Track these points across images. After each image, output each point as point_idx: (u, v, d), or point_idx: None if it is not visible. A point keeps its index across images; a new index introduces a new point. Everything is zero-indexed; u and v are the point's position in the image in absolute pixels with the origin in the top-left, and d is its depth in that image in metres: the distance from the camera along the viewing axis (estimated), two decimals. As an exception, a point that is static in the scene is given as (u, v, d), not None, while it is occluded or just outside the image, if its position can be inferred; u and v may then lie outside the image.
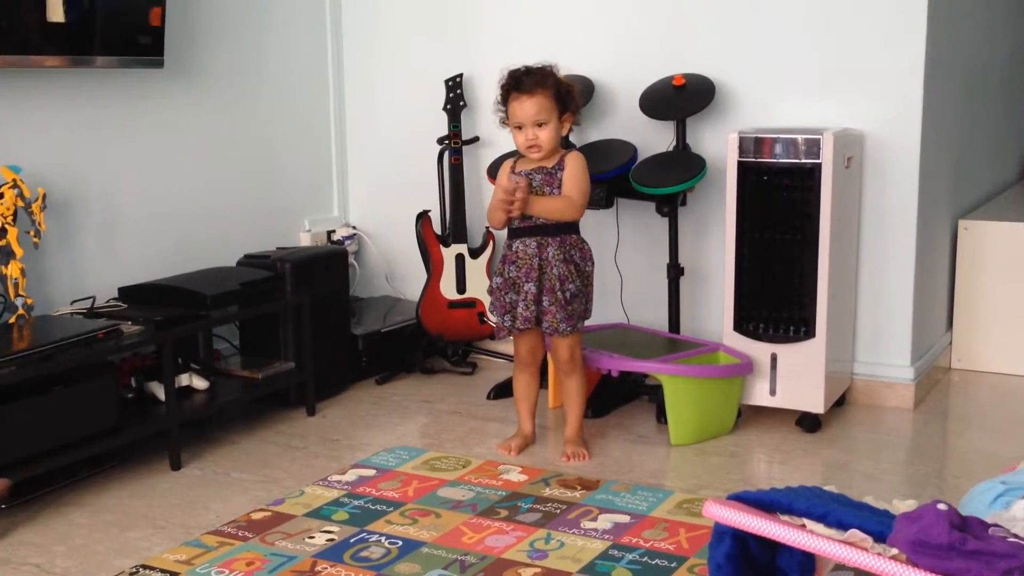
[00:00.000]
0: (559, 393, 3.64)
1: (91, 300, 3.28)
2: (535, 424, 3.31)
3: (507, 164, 3.20)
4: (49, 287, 3.29)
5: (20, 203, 3.05)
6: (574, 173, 3.09)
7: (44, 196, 3.12)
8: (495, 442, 3.29)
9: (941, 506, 1.50)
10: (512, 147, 3.77)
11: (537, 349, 3.22)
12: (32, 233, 3.09)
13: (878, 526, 1.60)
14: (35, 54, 3.13)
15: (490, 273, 3.93)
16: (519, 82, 3.05)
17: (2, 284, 3.05)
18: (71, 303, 3.29)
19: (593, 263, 3.19)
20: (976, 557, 1.46)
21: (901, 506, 1.76)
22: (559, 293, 3.08)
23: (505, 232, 3.19)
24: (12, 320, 3.05)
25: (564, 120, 3.10)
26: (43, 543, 2.66)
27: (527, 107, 3.04)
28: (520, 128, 3.07)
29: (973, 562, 1.45)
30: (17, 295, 3.07)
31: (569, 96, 3.10)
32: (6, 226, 3.02)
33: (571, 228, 3.13)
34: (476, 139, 4.14)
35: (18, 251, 3.05)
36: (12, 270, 3.05)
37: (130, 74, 3.51)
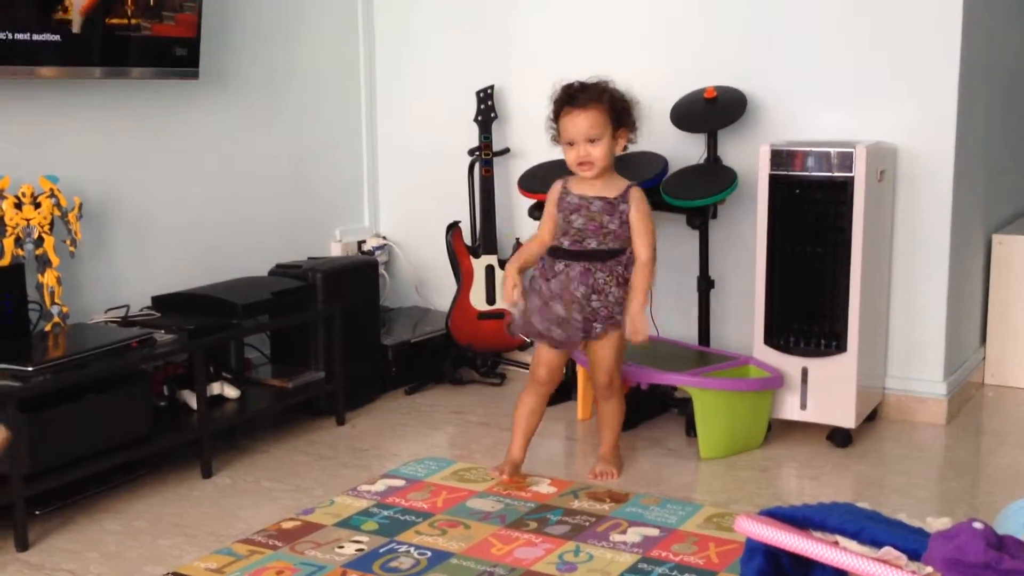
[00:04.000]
0: (589, 404, 3.64)
1: (125, 309, 3.31)
2: (525, 452, 3.13)
3: (556, 188, 3.01)
4: (84, 296, 3.33)
5: (57, 212, 3.09)
6: (644, 216, 2.94)
7: (80, 205, 3.15)
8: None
9: (977, 524, 1.48)
10: (542, 157, 3.80)
11: (556, 371, 3.10)
12: (68, 242, 3.13)
13: (912, 544, 1.59)
14: (72, 65, 3.17)
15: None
16: (573, 97, 2.91)
17: (38, 292, 3.09)
18: (105, 311, 3.32)
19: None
20: (1012, 576, 1.44)
21: (935, 524, 1.75)
22: (618, 317, 2.97)
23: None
24: (48, 328, 3.09)
25: (619, 136, 2.94)
26: (76, 549, 2.68)
27: (579, 122, 2.89)
28: (572, 145, 2.91)
29: (1009, 581, 1.44)
30: (53, 303, 3.10)
31: (625, 112, 2.95)
32: (43, 235, 3.06)
33: (622, 248, 2.98)
34: (507, 150, 4.15)
35: (54, 260, 3.09)
36: (48, 278, 3.09)
37: (166, 85, 3.54)
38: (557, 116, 2.95)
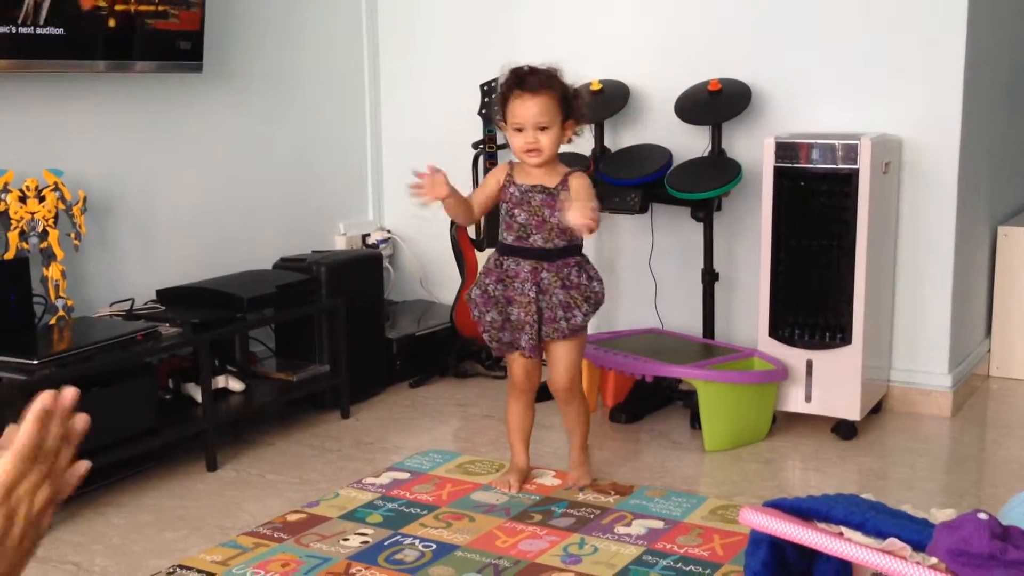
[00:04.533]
0: (593, 397, 3.63)
1: (130, 302, 3.32)
2: (529, 455, 3.05)
3: (501, 168, 2.92)
4: (89, 289, 3.33)
5: (61, 206, 3.09)
6: (587, 189, 2.82)
7: (84, 199, 3.16)
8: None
9: (982, 515, 1.48)
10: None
11: (533, 373, 2.97)
12: (73, 236, 3.13)
13: (917, 535, 1.59)
14: (76, 59, 3.17)
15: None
16: (522, 80, 2.78)
17: (43, 286, 3.09)
18: (110, 305, 3.33)
19: (601, 281, 2.91)
20: (1016, 567, 1.44)
21: (940, 515, 1.74)
22: (562, 323, 2.83)
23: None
24: (52, 321, 3.09)
25: (567, 127, 2.81)
26: (82, 542, 2.69)
27: (529, 107, 2.75)
28: (520, 130, 2.78)
29: (1014, 572, 1.43)
30: (58, 297, 3.11)
31: (575, 102, 2.83)
32: (47, 228, 3.06)
33: (573, 249, 2.87)
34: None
35: (59, 253, 3.09)
36: (53, 272, 3.09)
37: (170, 79, 3.54)
38: (505, 99, 2.81)
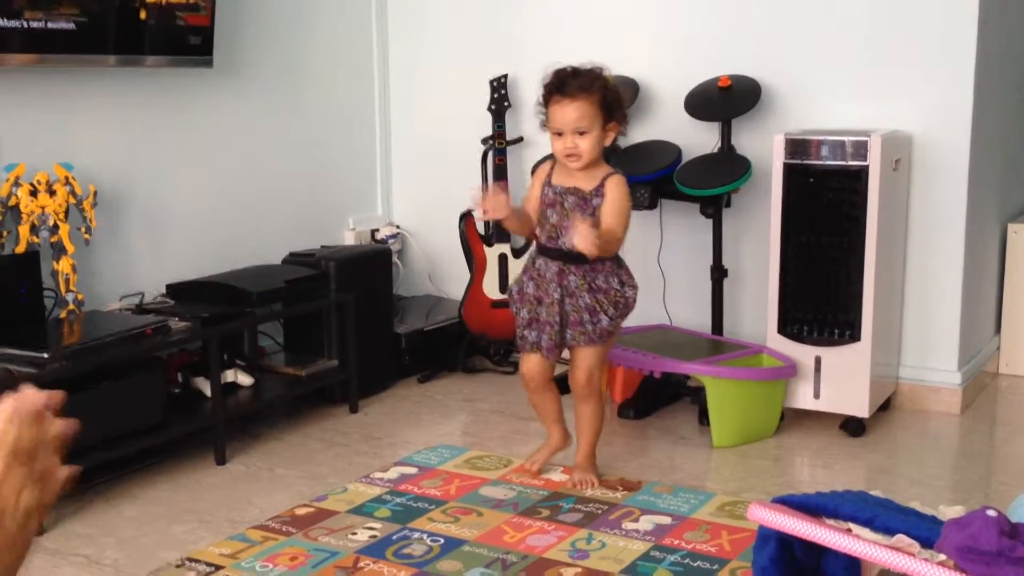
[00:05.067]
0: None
1: (140, 296, 3.33)
2: (565, 428, 3.05)
3: (544, 169, 2.93)
4: (99, 283, 3.34)
5: (72, 200, 3.10)
6: (618, 203, 2.80)
7: (95, 193, 3.17)
8: (538, 442, 3.24)
9: (990, 512, 1.48)
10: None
11: (542, 372, 2.94)
12: (83, 230, 3.14)
13: (925, 531, 1.59)
14: (87, 53, 3.18)
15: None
16: (563, 84, 2.76)
17: (53, 280, 3.11)
18: (120, 299, 3.34)
19: (635, 287, 2.90)
20: (1025, 564, 1.44)
21: (948, 512, 1.74)
22: (588, 327, 2.83)
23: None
24: (63, 315, 3.10)
25: (609, 129, 2.81)
26: (92, 535, 2.70)
27: (568, 112, 2.75)
28: (560, 135, 2.79)
29: (1022, 569, 1.43)
30: (68, 291, 3.12)
31: (616, 104, 2.81)
32: (58, 223, 3.07)
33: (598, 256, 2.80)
34: (520, 139, 4.14)
35: (69, 247, 3.10)
36: (63, 266, 3.10)
37: (180, 73, 3.55)
38: (547, 102, 2.81)
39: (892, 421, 3.52)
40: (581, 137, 2.77)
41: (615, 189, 2.81)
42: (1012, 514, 1.84)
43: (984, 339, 3.94)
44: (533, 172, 3.80)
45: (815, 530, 1.63)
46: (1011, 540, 1.45)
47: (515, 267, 4.04)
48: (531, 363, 2.94)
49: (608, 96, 2.80)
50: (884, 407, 3.56)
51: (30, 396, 0.99)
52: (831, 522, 1.70)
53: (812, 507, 1.74)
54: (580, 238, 2.66)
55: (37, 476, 0.98)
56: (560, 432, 3.06)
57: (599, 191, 2.81)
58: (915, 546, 1.57)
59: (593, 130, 2.77)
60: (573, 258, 2.81)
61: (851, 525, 1.68)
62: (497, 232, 4.06)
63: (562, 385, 3.09)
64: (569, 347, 2.92)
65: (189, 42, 3.45)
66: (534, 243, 2.97)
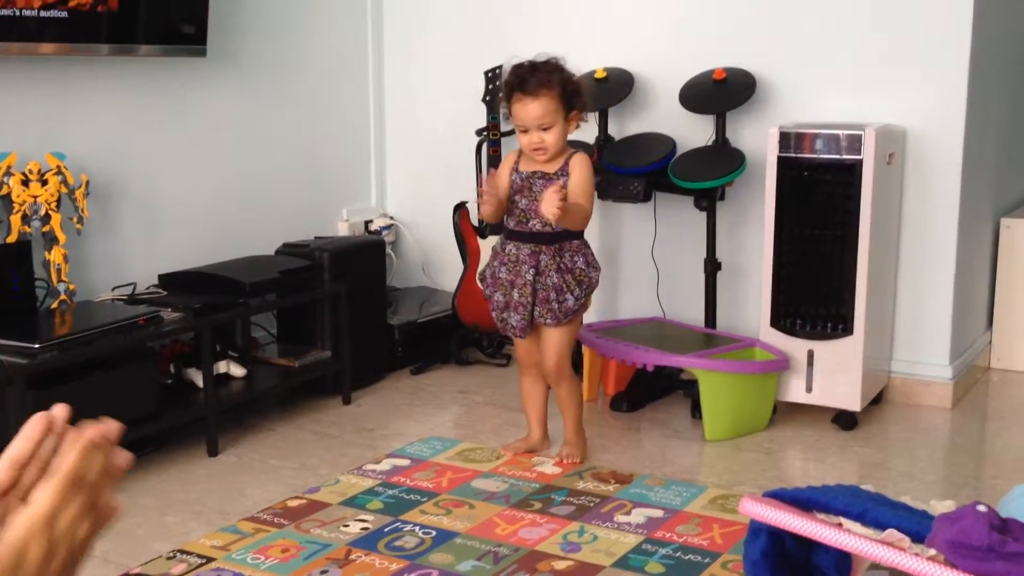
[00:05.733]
0: (595, 385, 3.64)
1: (132, 287, 3.32)
2: (546, 429, 3.16)
3: (510, 157, 2.99)
4: (91, 273, 3.34)
5: (64, 189, 3.09)
6: (584, 180, 2.88)
7: (87, 183, 3.16)
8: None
9: (981, 507, 1.49)
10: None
11: (534, 351, 3.04)
12: (75, 219, 3.13)
13: (916, 526, 1.59)
14: (80, 42, 3.17)
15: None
16: (523, 81, 2.81)
17: (45, 269, 3.10)
18: (112, 289, 3.33)
19: (599, 269, 3.01)
20: (1015, 559, 1.44)
21: (939, 507, 1.75)
22: (554, 304, 2.90)
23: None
24: (54, 305, 3.10)
25: (571, 119, 2.88)
26: (83, 526, 2.69)
27: (531, 110, 2.81)
28: (525, 131, 2.85)
29: (1012, 564, 1.44)
30: (60, 280, 3.11)
31: (576, 93, 2.86)
32: (50, 212, 3.06)
33: (572, 234, 2.92)
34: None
35: (61, 237, 3.09)
36: (55, 256, 3.09)
37: (173, 63, 3.54)
38: (508, 99, 2.87)
39: (884, 415, 3.53)
40: (546, 132, 2.84)
41: (580, 167, 2.90)
42: (1002, 509, 1.84)
43: (976, 333, 3.94)
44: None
45: (806, 524, 1.63)
46: (1001, 535, 1.46)
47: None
48: (521, 347, 3.06)
49: (568, 88, 2.85)
50: (876, 401, 3.57)
51: (95, 428, 0.99)
52: (822, 516, 1.71)
53: (803, 501, 1.74)
54: (546, 203, 2.75)
55: (94, 507, 0.97)
56: (541, 433, 3.17)
57: (564, 170, 2.90)
58: (906, 541, 1.58)
59: (557, 123, 2.84)
60: (544, 239, 2.90)
61: (842, 519, 1.68)
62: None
63: None
64: (536, 327, 2.98)
65: (183, 31, 3.44)
66: (503, 230, 3.02)
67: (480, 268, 3.03)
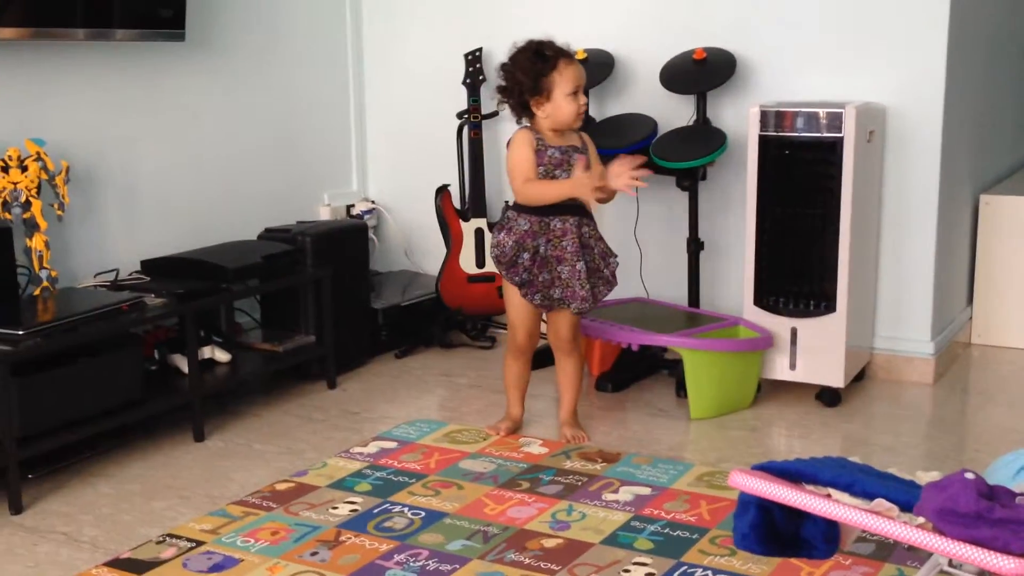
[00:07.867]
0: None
1: (114, 273, 3.30)
2: (523, 408, 3.22)
3: (528, 139, 2.95)
4: (73, 260, 3.31)
5: (44, 176, 3.07)
6: (596, 154, 3.06)
7: (67, 169, 3.13)
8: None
9: (968, 475, 1.50)
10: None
11: (535, 334, 3.12)
12: (56, 206, 3.11)
13: (904, 495, 1.61)
14: (57, 27, 3.14)
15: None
16: (561, 49, 2.94)
17: (27, 256, 3.07)
18: (95, 276, 3.31)
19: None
20: (1003, 525, 1.46)
21: (925, 477, 1.77)
22: (605, 271, 3.03)
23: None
24: (37, 292, 3.08)
25: None
26: (70, 512, 2.69)
27: (582, 70, 2.95)
28: (575, 95, 2.91)
29: (1000, 530, 1.46)
30: (41, 267, 3.09)
31: None
32: (30, 199, 3.04)
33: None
34: (495, 113, 4.12)
35: (42, 224, 3.07)
36: (36, 243, 3.07)
37: (152, 47, 3.51)
38: (544, 71, 2.90)
39: (867, 391, 3.56)
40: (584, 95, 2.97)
41: (591, 141, 3.08)
42: (989, 476, 1.86)
43: (957, 309, 3.97)
44: (508, 146, 3.80)
45: (795, 495, 1.64)
46: (989, 502, 1.47)
47: (491, 241, 4.03)
48: (523, 329, 3.08)
49: None
50: (859, 377, 3.59)
51: None
52: (811, 488, 1.72)
53: (792, 473, 1.75)
54: (622, 177, 2.84)
55: None
56: (521, 411, 3.23)
57: (585, 145, 3.04)
58: (894, 510, 1.59)
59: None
60: (583, 211, 2.99)
61: (831, 491, 1.70)
62: (473, 207, 4.06)
63: (536, 359, 3.23)
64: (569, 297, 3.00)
65: (160, 15, 3.41)
66: (528, 208, 2.99)
67: (494, 252, 3.01)
